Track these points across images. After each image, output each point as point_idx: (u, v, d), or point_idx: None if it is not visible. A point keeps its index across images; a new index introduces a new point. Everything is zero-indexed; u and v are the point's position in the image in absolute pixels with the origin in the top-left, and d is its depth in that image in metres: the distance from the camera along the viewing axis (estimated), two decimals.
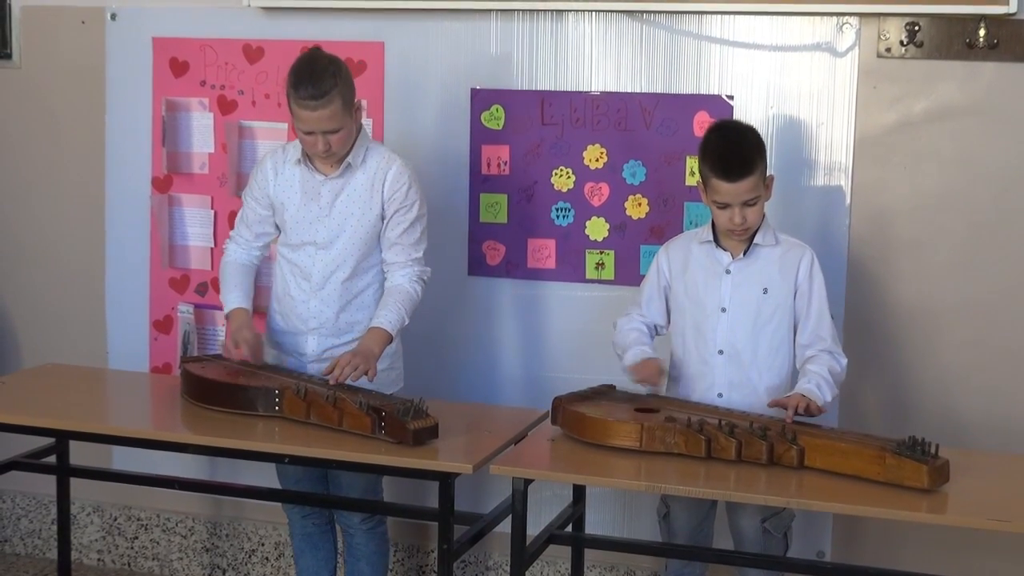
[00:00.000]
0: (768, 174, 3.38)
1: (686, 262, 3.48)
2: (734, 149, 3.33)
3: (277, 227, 3.71)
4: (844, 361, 3.39)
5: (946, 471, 2.95)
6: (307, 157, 3.59)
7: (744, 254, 3.41)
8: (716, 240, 3.44)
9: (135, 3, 4.39)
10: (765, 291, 3.40)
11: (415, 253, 3.62)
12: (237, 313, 3.67)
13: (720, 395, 3.41)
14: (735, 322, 3.41)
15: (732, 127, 3.49)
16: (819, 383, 3.28)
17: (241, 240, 3.76)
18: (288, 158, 3.64)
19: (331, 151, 3.49)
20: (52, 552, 4.58)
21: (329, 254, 3.60)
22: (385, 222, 3.59)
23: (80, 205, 4.56)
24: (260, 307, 3.88)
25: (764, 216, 3.39)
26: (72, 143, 4.55)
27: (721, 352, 3.42)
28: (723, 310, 3.41)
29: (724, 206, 3.32)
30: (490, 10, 4.03)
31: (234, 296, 3.70)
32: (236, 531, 4.55)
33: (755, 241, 3.40)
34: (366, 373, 3.42)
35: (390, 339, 3.53)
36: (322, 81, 3.40)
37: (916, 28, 3.72)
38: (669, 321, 3.55)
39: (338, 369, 3.40)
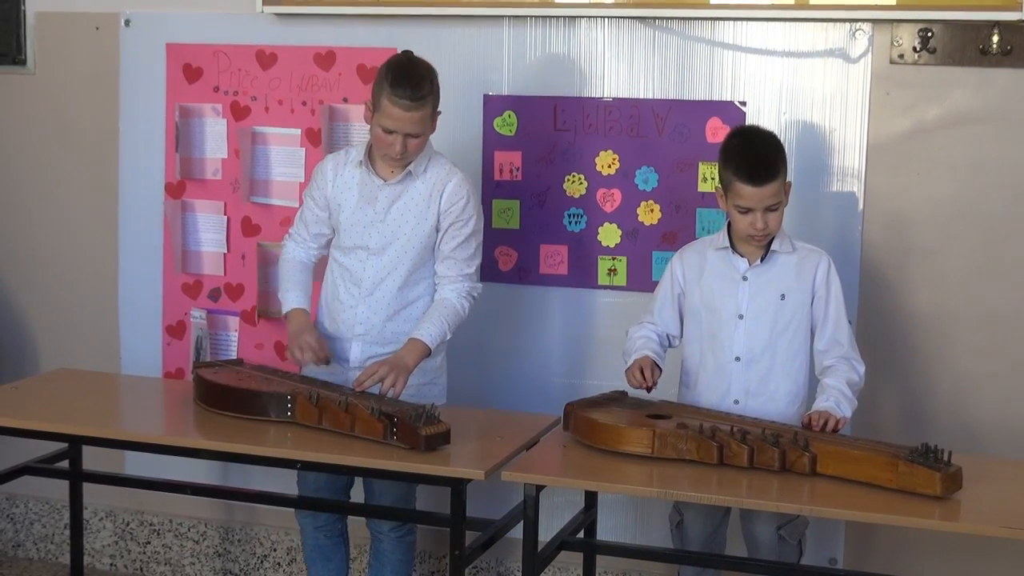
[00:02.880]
0: (787, 180, 3.38)
1: (701, 269, 3.47)
2: (759, 153, 3.33)
3: (333, 229, 3.71)
4: (862, 369, 3.38)
5: (959, 478, 2.94)
6: (369, 160, 3.58)
7: (761, 260, 3.41)
8: (732, 246, 3.43)
9: (149, 9, 4.41)
10: (783, 297, 3.39)
11: (467, 269, 3.61)
12: (296, 315, 3.64)
13: (736, 402, 3.41)
14: (753, 329, 3.40)
15: (754, 132, 3.49)
16: (838, 399, 3.27)
17: (299, 238, 3.75)
18: (350, 160, 3.64)
19: (405, 154, 3.49)
20: (65, 557, 4.59)
21: (380, 260, 3.59)
22: (440, 235, 3.58)
23: (94, 210, 4.57)
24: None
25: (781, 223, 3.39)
26: (86, 149, 4.57)
27: (738, 359, 3.41)
28: (740, 317, 3.41)
29: (746, 211, 3.32)
30: (503, 16, 4.04)
31: (292, 295, 3.67)
32: (248, 536, 4.55)
33: (772, 248, 3.40)
34: (394, 386, 3.39)
35: (428, 352, 3.51)
36: (421, 85, 3.42)
37: (929, 34, 3.71)
38: (682, 330, 3.54)
39: (364, 375, 3.40)
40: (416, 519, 3.73)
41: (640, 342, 3.49)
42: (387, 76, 3.45)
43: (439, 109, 3.54)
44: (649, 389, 3.38)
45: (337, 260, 3.67)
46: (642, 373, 3.36)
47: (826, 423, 3.19)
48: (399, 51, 4.09)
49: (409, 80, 3.42)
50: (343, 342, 3.64)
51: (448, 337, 3.56)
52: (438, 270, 3.61)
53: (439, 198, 3.56)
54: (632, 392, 3.48)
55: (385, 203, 3.57)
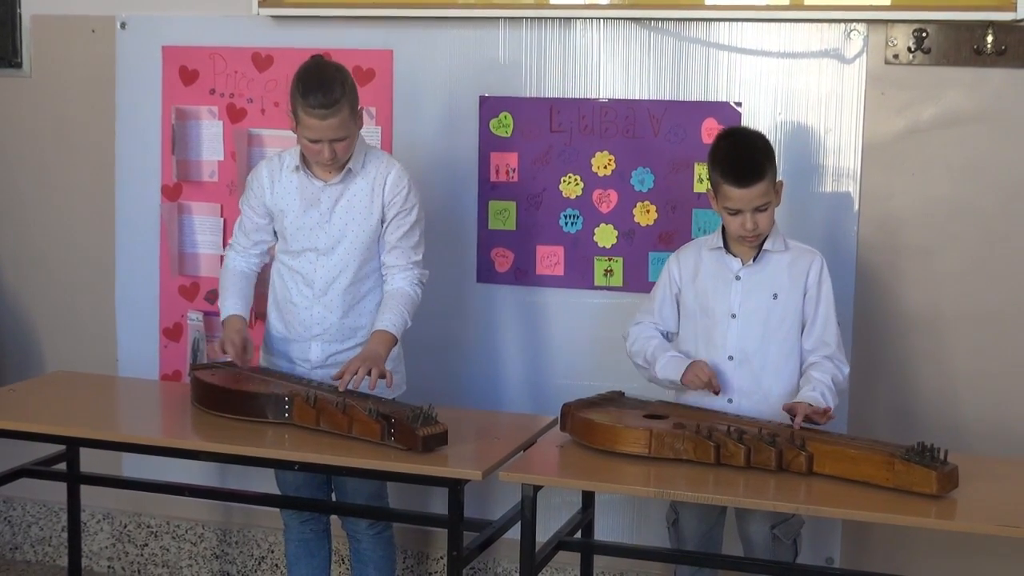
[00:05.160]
0: (778, 179, 3.39)
1: (696, 269, 3.48)
2: (744, 155, 3.34)
3: (275, 234, 3.73)
4: (846, 370, 3.40)
5: (955, 477, 2.95)
6: (305, 163, 3.60)
7: (754, 260, 3.42)
8: (726, 246, 3.44)
9: (145, 12, 4.41)
10: (775, 297, 3.40)
11: (414, 256, 3.63)
12: (232, 320, 3.69)
13: (730, 401, 3.42)
14: (745, 328, 3.41)
15: (741, 133, 3.51)
16: (823, 391, 3.28)
17: (239, 248, 3.77)
18: (285, 165, 3.65)
19: (336, 159, 3.51)
20: (62, 559, 4.60)
21: (331, 260, 3.61)
22: (384, 225, 3.61)
23: (90, 213, 4.57)
24: (261, 312, 3.89)
25: (774, 222, 3.40)
26: (82, 152, 4.57)
27: (731, 358, 3.42)
28: (733, 316, 3.42)
29: (735, 212, 3.33)
30: (498, 18, 4.04)
31: (231, 303, 3.72)
32: (246, 538, 4.56)
33: (765, 247, 3.41)
34: (382, 376, 3.41)
35: (395, 341, 3.54)
36: (332, 90, 3.41)
37: (924, 35, 3.72)
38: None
39: (347, 375, 3.41)
40: (413, 520, 3.74)
41: (654, 343, 3.49)
42: (298, 87, 3.46)
43: (361, 107, 3.55)
44: (717, 392, 3.37)
45: (286, 264, 3.68)
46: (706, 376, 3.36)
47: (813, 414, 3.19)
48: (393, 53, 4.12)
49: (319, 87, 3.41)
50: (301, 343, 3.67)
51: (408, 324, 3.59)
52: (386, 260, 3.63)
53: (381, 191, 3.58)
54: (639, 393, 3.48)
55: (329, 204, 3.59)
